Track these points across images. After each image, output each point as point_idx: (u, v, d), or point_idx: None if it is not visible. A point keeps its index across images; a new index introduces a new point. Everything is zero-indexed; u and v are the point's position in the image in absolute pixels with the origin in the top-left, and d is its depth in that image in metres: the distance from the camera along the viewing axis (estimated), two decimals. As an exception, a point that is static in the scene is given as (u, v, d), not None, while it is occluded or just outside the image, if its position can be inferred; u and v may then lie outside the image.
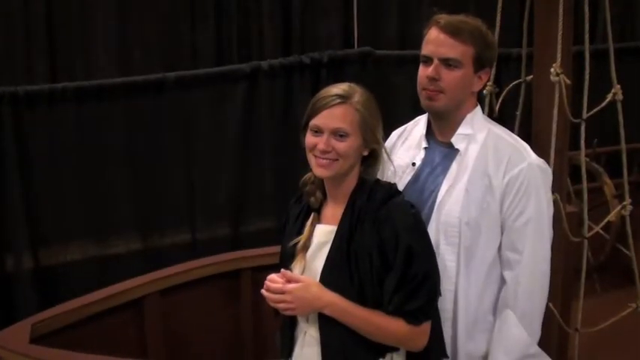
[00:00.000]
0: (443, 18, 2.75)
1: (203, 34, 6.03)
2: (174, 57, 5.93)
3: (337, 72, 5.80)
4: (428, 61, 2.75)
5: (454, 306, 2.78)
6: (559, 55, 3.00)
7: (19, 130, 5.07)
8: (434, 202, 2.78)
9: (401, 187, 2.77)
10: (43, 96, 5.11)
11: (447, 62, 2.71)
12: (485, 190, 2.74)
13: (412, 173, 2.86)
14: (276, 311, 2.69)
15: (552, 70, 3.00)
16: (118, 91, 5.33)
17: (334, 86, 2.58)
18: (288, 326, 2.68)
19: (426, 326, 2.53)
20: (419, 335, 2.52)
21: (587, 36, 3.11)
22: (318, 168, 2.55)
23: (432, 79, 2.72)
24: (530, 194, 2.72)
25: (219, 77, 5.65)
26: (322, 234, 2.61)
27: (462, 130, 2.80)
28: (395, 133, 3.04)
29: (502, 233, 2.77)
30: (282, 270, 2.57)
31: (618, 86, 3.21)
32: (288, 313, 2.56)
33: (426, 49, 2.76)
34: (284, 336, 2.70)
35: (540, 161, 2.81)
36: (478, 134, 2.80)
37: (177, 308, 4.32)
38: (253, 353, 4.45)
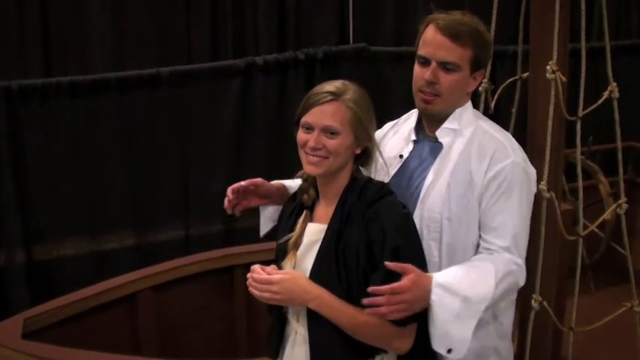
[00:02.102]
0: (442, 18, 2.70)
1: (198, 29, 6.00)
2: (169, 52, 5.91)
3: (332, 68, 5.80)
4: (425, 62, 2.71)
5: None
6: (555, 53, 2.98)
7: (13, 125, 5.06)
8: (418, 196, 2.75)
9: (387, 179, 2.76)
10: (36, 90, 5.09)
11: (445, 65, 2.68)
12: (467, 186, 2.70)
13: (399, 166, 2.84)
14: (269, 309, 2.67)
15: (548, 67, 2.98)
16: (112, 86, 5.32)
17: (328, 83, 2.56)
18: (278, 325, 2.66)
19: (412, 328, 2.48)
20: (404, 337, 2.48)
21: (583, 33, 3.10)
22: (309, 165, 2.53)
23: (430, 82, 2.69)
24: (510, 194, 2.68)
25: (214, 72, 5.64)
26: (313, 232, 2.59)
27: (448, 124, 2.77)
28: (388, 125, 3.02)
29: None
30: (272, 265, 2.56)
31: (614, 84, 3.20)
32: (272, 302, 2.52)
33: (423, 50, 2.72)
34: (274, 335, 2.68)
35: (525, 163, 2.77)
36: (465, 130, 2.77)
37: (170, 304, 4.32)
38: (246, 349, 4.45)
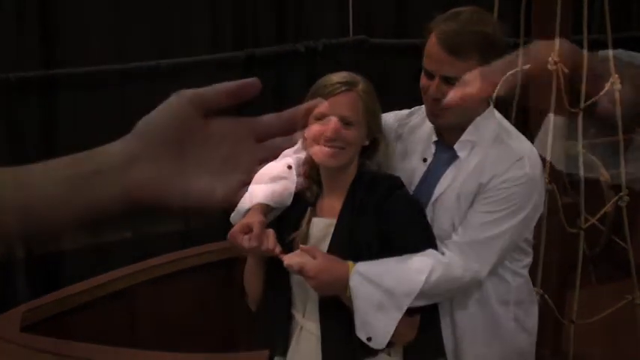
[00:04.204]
0: (441, 30, 2.52)
1: (197, 20, 5.99)
2: (168, 43, 5.89)
3: (332, 60, 5.77)
4: (430, 76, 2.56)
5: (451, 317, 2.68)
6: (557, 44, 2.97)
7: (11, 117, 5.04)
8: (429, 203, 2.63)
9: (413, 187, 2.65)
10: (35, 82, 5.07)
11: (449, 80, 2.51)
12: (475, 196, 2.57)
13: (424, 170, 2.70)
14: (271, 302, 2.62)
15: (550, 59, 2.97)
16: (111, 77, 5.30)
17: (334, 75, 2.51)
18: (282, 321, 2.60)
19: (416, 319, 2.45)
20: (406, 326, 2.43)
21: (585, 24, 3.09)
22: (324, 157, 2.45)
23: (436, 99, 2.53)
24: (507, 203, 2.53)
25: (213, 64, 5.62)
26: (320, 227, 2.53)
27: (467, 136, 2.62)
28: (394, 119, 2.85)
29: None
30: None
31: (616, 75, 3.18)
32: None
33: (426, 63, 2.57)
34: (278, 332, 2.60)
35: (539, 178, 2.62)
36: (484, 142, 2.62)
37: (169, 297, 4.31)
38: (246, 343, 4.43)
